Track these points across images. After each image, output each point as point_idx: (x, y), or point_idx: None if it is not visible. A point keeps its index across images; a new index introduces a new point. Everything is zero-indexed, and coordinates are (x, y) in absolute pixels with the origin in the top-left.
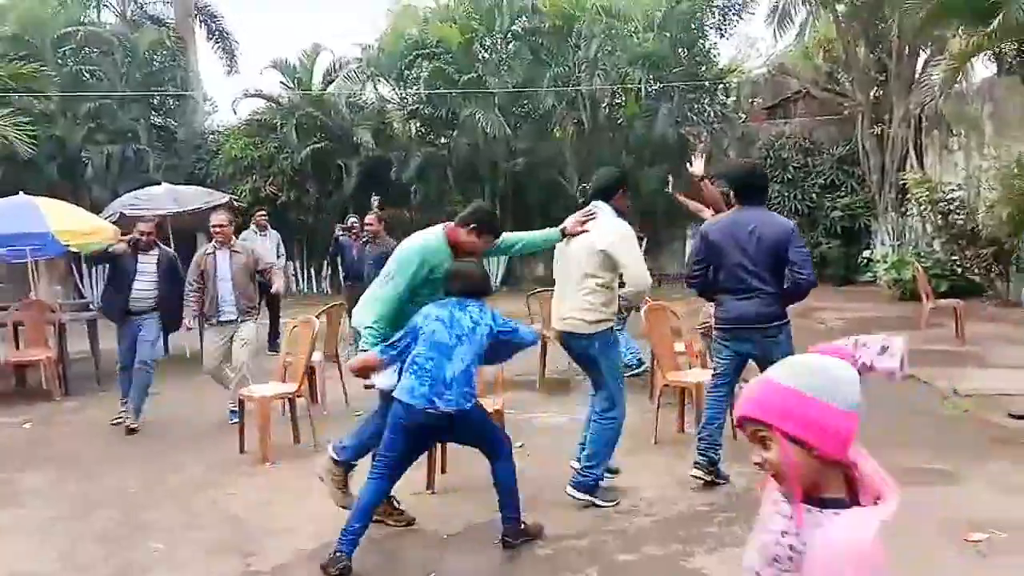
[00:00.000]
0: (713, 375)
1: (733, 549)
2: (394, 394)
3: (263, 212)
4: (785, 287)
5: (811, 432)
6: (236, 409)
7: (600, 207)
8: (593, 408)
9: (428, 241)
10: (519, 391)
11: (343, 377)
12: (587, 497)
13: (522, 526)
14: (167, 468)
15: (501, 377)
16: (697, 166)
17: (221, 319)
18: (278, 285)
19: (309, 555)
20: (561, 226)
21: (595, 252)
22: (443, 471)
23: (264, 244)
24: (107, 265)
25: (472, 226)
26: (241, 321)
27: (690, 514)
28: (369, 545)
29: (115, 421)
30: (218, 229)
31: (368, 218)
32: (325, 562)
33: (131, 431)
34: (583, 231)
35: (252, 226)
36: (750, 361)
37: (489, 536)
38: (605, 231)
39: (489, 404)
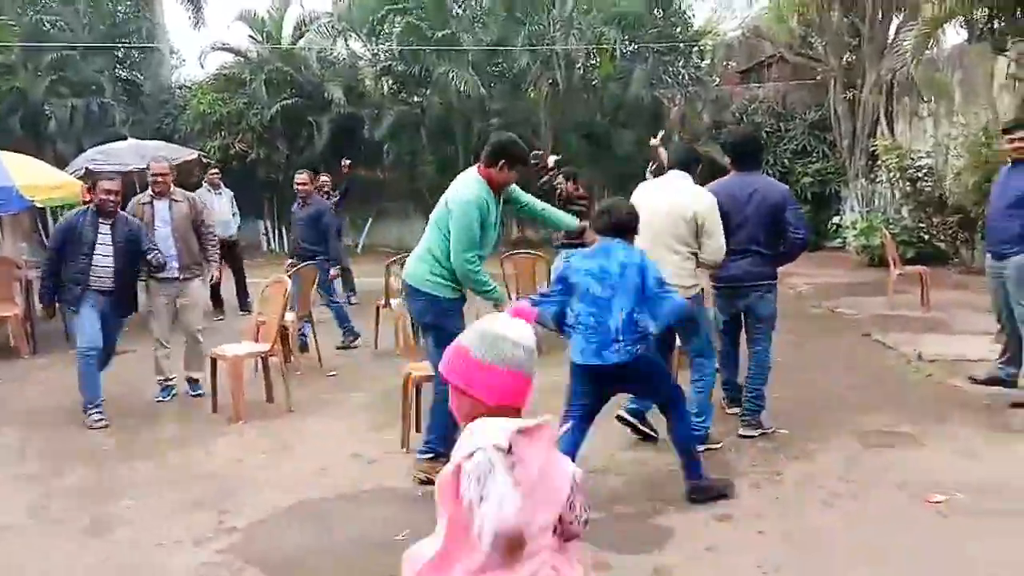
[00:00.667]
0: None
1: (701, 508)
2: (571, 355)
3: (215, 171)
4: (782, 248)
5: (472, 385)
6: (169, 386)
7: (683, 176)
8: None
9: (478, 194)
10: None
11: (316, 337)
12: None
13: (707, 482)
14: (140, 426)
15: None
16: (654, 141)
17: (161, 275)
18: (215, 275)
19: (283, 511)
20: (580, 225)
21: (690, 220)
22: (417, 430)
23: (219, 202)
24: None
25: (502, 162)
26: (184, 279)
27: (661, 475)
28: (342, 504)
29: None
30: (159, 178)
31: (300, 177)
32: None
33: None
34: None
35: (205, 184)
36: None
37: None
38: (700, 199)
39: None
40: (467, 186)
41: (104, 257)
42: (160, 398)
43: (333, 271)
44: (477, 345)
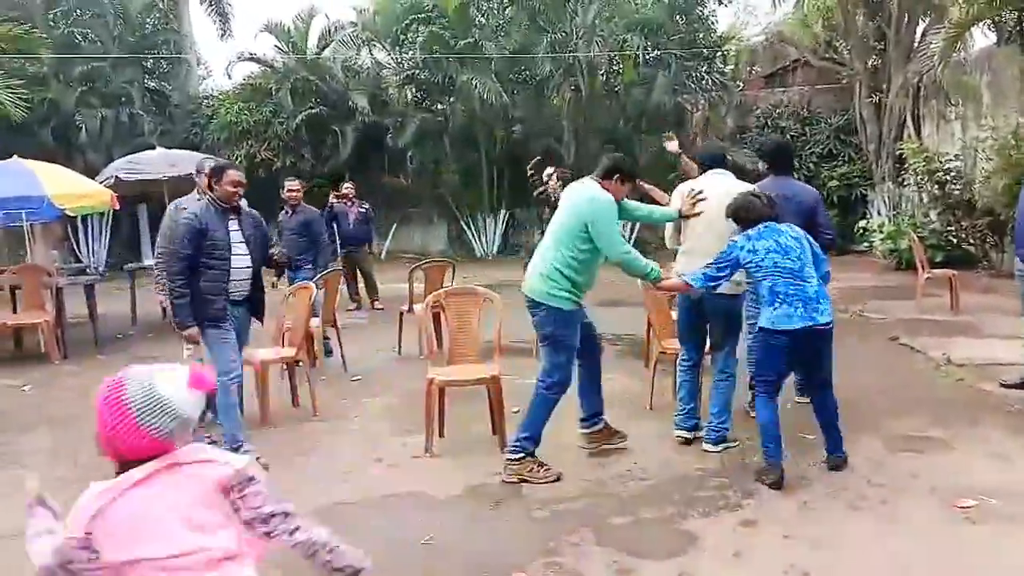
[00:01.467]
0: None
1: (725, 513)
2: (768, 326)
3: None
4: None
5: (115, 439)
6: None
7: (726, 174)
8: (716, 367)
9: (610, 197)
10: (516, 357)
11: (341, 343)
12: (722, 446)
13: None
14: None
15: (499, 343)
16: (672, 145)
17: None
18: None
19: (307, 515)
20: (677, 208)
21: None
22: (441, 435)
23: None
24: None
25: (616, 176)
26: None
27: (684, 479)
28: (366, 508)
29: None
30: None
31: (291, 184)
32: (760, 470)
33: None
34: (696, 213)
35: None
36: None
37: (487, 498)
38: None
39: (486, 370)
40: (597, 192)
41: (241, 257)
42: None
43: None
44: (139, 404)
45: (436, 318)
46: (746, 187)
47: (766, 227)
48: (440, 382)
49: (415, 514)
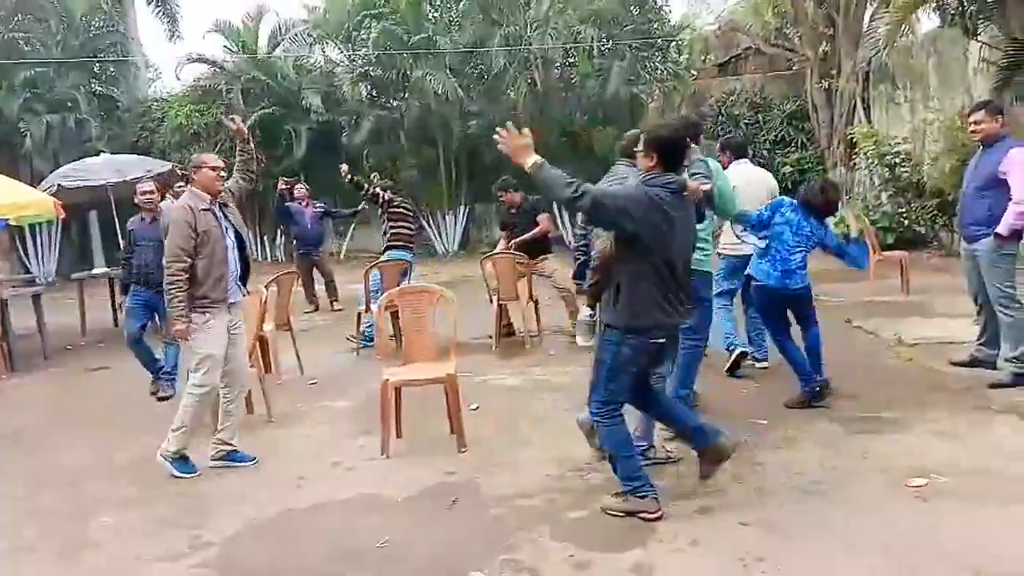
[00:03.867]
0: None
1: (684, 501)
2: (757, 278)
3: (182, 184)
4: None
5: None
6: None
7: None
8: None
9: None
10: (474, 354)
11: (296, 346)
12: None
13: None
14: (117, 443)
15: (454, 341)
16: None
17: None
18: None
19: (262, 523)
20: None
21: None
22: (399, 435)
23: None
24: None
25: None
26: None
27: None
28: (321, 513)
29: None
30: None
31: (143, 187)
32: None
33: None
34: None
35: (170, 198)
36: None
37: (444, 499)
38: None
39: (441, 368)
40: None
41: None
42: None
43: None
44: None
45: (395, 317)
46: (767, 173)
47: (804, 214)
48: (395, 382)
49: (370, 517)
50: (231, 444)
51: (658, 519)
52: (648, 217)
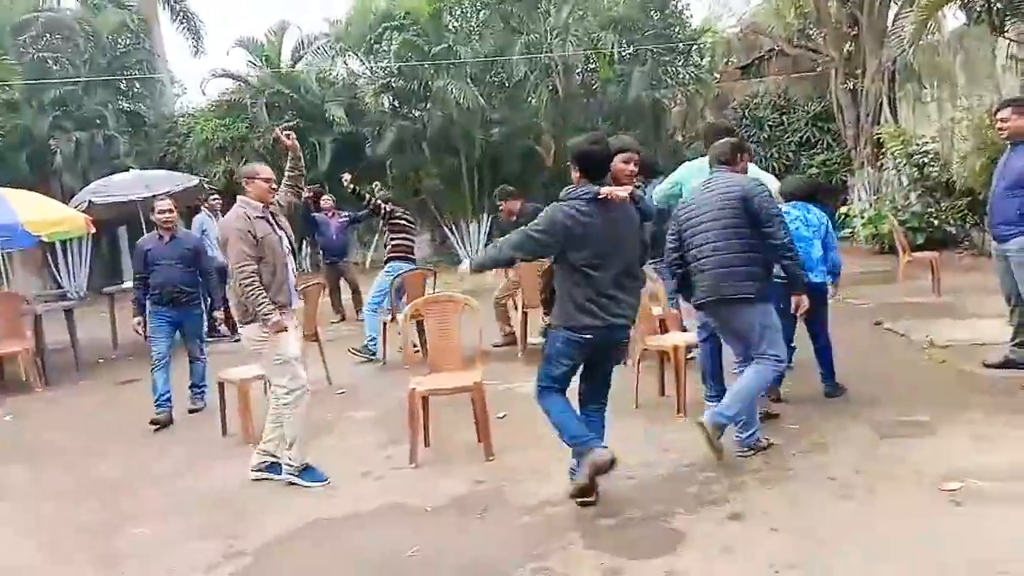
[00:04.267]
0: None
1: (714, 508)
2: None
3: (216, 196)
4: None
5: None
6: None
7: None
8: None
9: None
10: (500, 362)
11: (323, 356)
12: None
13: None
14: (150, 455)
15: (480, 349)
16: None
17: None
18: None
19: (293, 533)
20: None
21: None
22: (426, 444)
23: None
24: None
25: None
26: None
27: (671, 476)
28: (351, 523)
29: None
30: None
31: (161, 205)
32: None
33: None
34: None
35: (205, 210)
36: None
37: (473, 508)
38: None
39: (468, 377)
40: (747, 174)
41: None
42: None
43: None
44: None
45: (421, 326)
46: (768, 175)
47: (804, 206)
48: (422, 391)
49: (401, 527)
50: (275, 456)
51: (612, 462)
52: (566, 233)
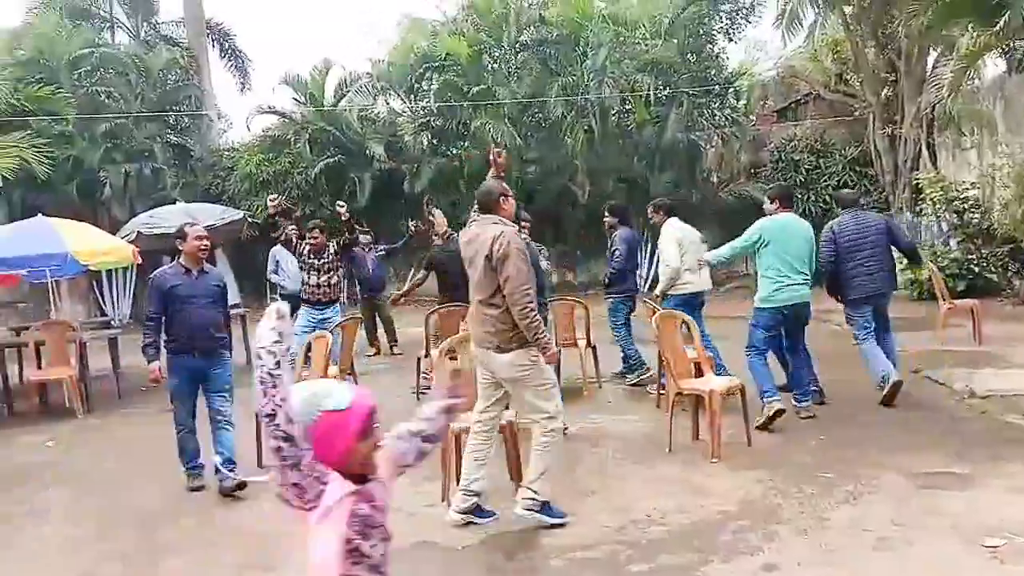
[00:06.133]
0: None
1: (747, 557)
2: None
3: (294, 227)
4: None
5: None
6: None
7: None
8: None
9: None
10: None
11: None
12: None
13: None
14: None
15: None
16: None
17: None
18: None
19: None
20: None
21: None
22: (458, 482)
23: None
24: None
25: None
26: None
27: (704, 523)
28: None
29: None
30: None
31: (199, 231)
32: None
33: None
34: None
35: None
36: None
37: (505, 549)
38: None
39: (502, 416)
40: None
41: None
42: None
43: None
44: None
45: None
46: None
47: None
48: (456, 429)
49: (432, 565)
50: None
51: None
52: None
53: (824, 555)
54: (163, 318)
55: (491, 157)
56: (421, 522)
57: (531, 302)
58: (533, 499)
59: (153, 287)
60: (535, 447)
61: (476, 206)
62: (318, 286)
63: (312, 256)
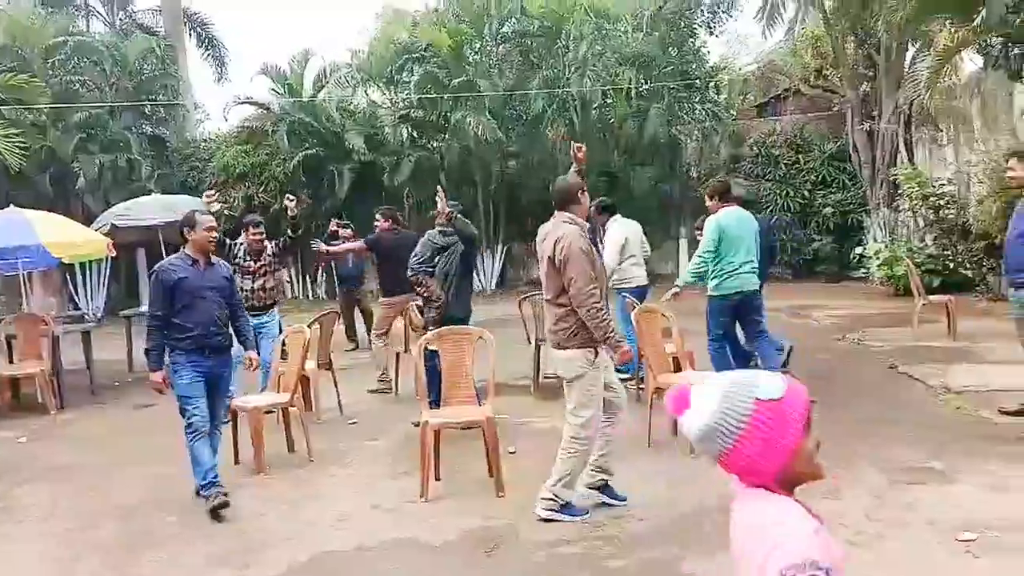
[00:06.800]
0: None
1: (726, 551)
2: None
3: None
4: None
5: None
6: None
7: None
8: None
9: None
10: (514, 395)
11: (337, 385)
12: None
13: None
14: (165, 480)
15: (492, 382)
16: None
17: None
18: None
19: (304, 564)
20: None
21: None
22: (437, 478)
23: None
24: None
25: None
26: None
27: (684, 517)
28: (362, 555)
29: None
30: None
31: (209, 219)
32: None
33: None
34: None
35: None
36: None
37: (484, 544)
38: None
39: (480, 412)
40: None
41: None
42: None
43: (254, 355)
44: None
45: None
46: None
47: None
48: (435, 424)
49: (411, 561)
50: (608, 473)
51: None
52: None
53: None
54: (169, 316)
55: (572, 152)
56: (401, 518)
57: (597, 302)
58: (554, 500)
59: (158, 282)
60: (563, 449)
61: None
62: (252, 291)
63: (248, 257)
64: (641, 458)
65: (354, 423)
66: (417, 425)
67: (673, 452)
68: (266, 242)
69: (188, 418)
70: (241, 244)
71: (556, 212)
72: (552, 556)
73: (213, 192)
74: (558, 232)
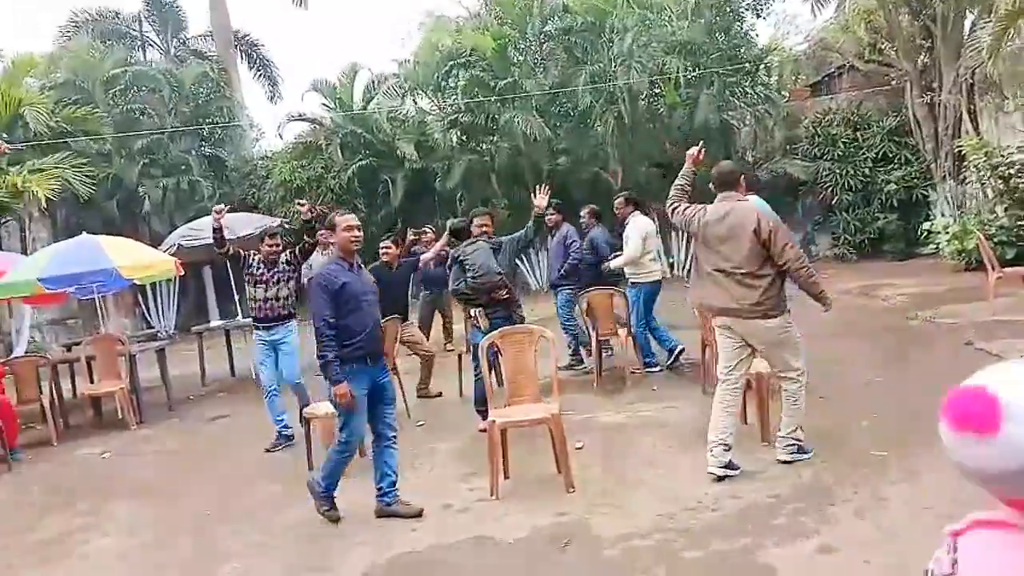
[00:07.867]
0: None
1: (803, 540)
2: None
3: (324, 232)
4: None
5: None
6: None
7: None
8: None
9: None
10: (576, 391)
11: (403, 389)
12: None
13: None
14: (240, 490)
15: (557, 379)
16: None
17: None
18: None
19: (382, 566)
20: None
21: None
22: (506, 476)
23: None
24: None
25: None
26: None
27: (756, 507)
28: (438, 555)
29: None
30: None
31: (351, 219)
32: None
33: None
34: None
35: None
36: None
37: (557, 540)
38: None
39: (545, 409)
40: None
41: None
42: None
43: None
44: None
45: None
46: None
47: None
48: (502, 424)
49: (486, 559)
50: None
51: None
52: None
53: (882, 536)
54: (337, 323)
55: (695, 151)
56: (473, 517)
57: (809, 264)
58: (796, 442)
59: (320, 288)
60: (788, 400)
61: (717, 183)
62: (266, 300)
63: (262, 266)
64: (704, 449)
65: (421, 425)
66: (483, 431)
67: (742, 442)
68: (282, 251)
69: (346, 437)
70: (256, 255)
71: (720, 194)
72: (626, 551)
73: (304, 202)
74: (744, 208)
